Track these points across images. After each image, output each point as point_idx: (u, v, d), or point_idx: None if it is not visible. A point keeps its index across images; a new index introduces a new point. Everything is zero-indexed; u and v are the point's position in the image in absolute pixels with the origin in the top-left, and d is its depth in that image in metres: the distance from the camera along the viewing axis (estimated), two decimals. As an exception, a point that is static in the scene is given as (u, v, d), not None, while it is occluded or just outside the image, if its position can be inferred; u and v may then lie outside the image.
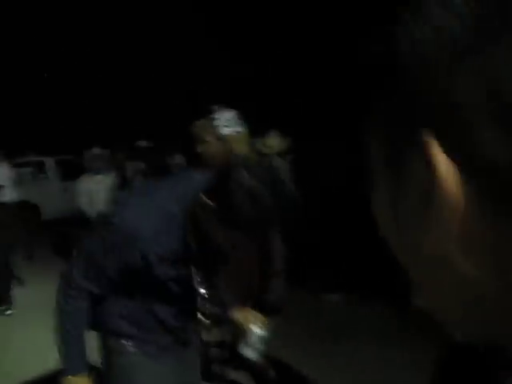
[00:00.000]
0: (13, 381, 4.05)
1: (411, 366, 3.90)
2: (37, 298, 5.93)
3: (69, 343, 1.81)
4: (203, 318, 1.96)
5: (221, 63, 13.02)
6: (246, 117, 2.92)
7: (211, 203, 1.58)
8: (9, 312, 5.87)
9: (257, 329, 2.17)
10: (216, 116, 2.91)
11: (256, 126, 3.05)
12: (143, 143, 8.54)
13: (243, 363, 3.00)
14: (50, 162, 11.37)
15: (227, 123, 2.90)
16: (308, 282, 6.01)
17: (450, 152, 0.34)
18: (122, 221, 1.66)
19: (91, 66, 16.28)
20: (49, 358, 4.09)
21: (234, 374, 3.86)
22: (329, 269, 5.99)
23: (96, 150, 6.89)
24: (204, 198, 1.60)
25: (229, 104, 2.96)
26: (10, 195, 7.66)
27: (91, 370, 1.85)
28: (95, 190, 6.57)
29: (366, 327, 5.05)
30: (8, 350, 4.68)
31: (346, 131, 7.10)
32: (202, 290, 1.91)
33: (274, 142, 5.43)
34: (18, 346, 4.79)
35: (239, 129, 2.89)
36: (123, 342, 1.92)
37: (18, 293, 6.20)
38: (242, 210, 1.52)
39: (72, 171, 11.17)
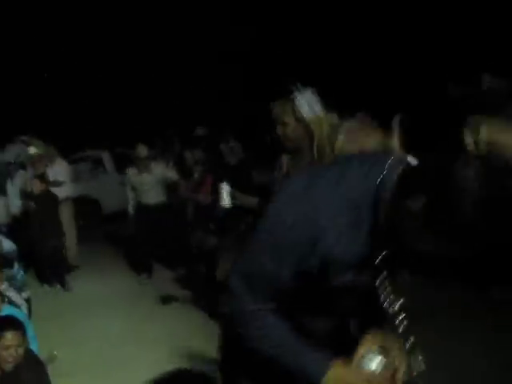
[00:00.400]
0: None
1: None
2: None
3: (287, 355, 1.38)
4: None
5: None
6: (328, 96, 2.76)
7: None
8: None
9: None
10: (297, 96, 2.75)
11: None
12: (201, 131, 8.47)
13: None
14: (107, 156, 11.48)
15: (308, 104, 2.73)
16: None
17: None
18: (302, 217, 1.30)
19: (138, 60, 16.41)
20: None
21: None
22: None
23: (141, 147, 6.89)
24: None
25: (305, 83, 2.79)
26: (69, 191, 7.77)
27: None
28: (143, 183, 6.56)
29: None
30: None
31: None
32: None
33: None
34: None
35: (320, 110, 2.72)
36: None
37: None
38: (465, 215, 1.16)
39: (130, 164, 11.29)
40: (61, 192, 7.57)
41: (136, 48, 16.27)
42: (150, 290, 6.24)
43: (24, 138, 9.48)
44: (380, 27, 10.43)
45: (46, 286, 6.70)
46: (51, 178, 7.37)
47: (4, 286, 4.15)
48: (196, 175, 6.39)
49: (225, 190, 3.08)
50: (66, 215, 7.65)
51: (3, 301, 3.41)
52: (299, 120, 2.68)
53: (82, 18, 16.19)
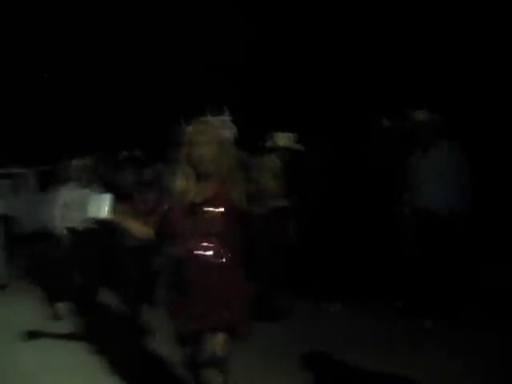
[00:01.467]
0: None
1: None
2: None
3: None
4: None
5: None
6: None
7: None
8: None
9: None
10: (214, 118, 2.82)
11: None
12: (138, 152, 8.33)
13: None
14: (30, 174, 11.11)
15: (225, 125, 2.81)
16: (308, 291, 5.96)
17: None
18: None
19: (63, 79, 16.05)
20: None
21: None
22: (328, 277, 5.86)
23: (79, 161, 6.52)
24: None
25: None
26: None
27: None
28: (71, 203, 6.11)
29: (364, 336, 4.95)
30: None
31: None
32: None
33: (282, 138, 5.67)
34: None
35: (234, 131, 2.82)
36: None
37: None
38: None
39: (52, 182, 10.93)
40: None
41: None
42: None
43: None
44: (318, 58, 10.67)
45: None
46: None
47: None
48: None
49: (108, 199, 2.80)
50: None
51: None
52: (217, 143, 2.74)
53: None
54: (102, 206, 2.77)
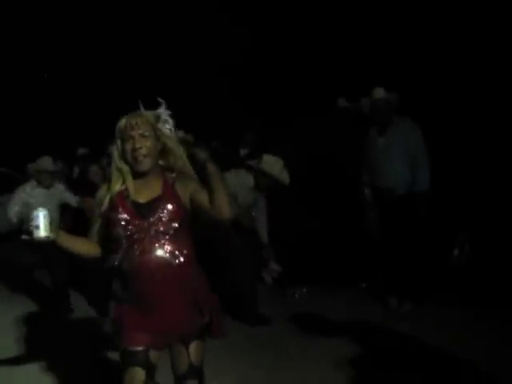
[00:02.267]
0: None
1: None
2: None
3: None
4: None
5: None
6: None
7: None
8: None
9: None
10: (160, 112, 2.59)
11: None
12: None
13: None
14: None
15: (161, 119, 2.58)
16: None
17: None
18: None
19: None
20: None
21: None
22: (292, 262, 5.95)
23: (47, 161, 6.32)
24: None
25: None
26: None
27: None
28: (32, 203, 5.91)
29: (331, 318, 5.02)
30: None
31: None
32: None
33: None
34: None
35: (171, 125, 2.62)
36: None
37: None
38: None
39: (7, 184, 10.62)
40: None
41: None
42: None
43: None
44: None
45: None
46: None
47: None
48: None
49: (43, 216, 2.41)
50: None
51: None
52: (153, 137, 2.49)
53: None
54: (41, 225, 2.39)
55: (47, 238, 2.39)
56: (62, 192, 6.33)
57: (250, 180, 5.24)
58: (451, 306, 5.05)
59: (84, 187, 6.11)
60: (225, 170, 5.48)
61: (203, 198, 2.44)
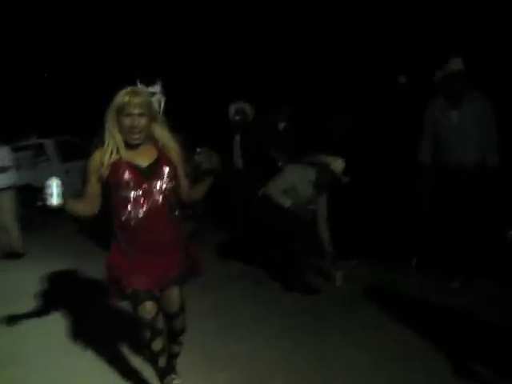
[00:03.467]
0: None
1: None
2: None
3: None
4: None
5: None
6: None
7: None
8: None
9: None
10: (144, 87, 3.14)
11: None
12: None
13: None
14: (49, 144, 11.22)
15: (155, 95, 3.15)
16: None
17: None
18: None
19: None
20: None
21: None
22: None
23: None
24: None
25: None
26: (13, 178, 7.59)
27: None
28: None
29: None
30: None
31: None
32: None
33: None
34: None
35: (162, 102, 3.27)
36: None
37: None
38: None
39: (72, 152, 11.06)
40: (3, 179, 7.41)
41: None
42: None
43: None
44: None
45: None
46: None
47: None
48: None
49: (56, 185, 2.73)
50: (7, 203, 7.49)
51: None
52: (148, 114, 2.90)
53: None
54: (54, 193, 2.72)
55: (59, 205, 2.73)
56: None
57: (309, 174, 5.34)
58: (504, 283, 5.01)
59: None
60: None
61: (183, 177, 3.06)
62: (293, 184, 5.29)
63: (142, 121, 2.88)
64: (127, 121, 2.86)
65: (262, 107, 7.40)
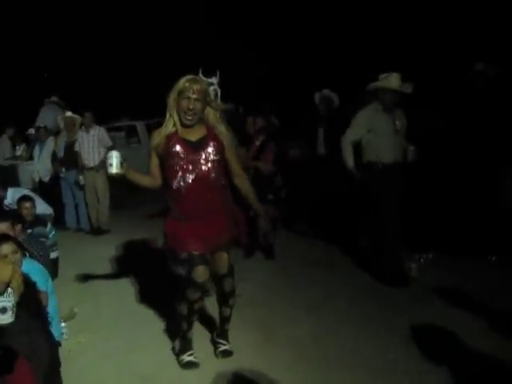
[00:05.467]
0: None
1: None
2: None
3: None
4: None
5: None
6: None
7: None
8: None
9: None
10: (210, 82, 3.73)
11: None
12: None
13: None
14: (141, 126, 11.68)
15: (212, 86, 3.71)
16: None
17: None
18: None
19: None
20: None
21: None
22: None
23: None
24: None
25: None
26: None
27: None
28: None
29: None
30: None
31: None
32: None
33: None
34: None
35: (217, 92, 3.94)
36: None
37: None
38: None
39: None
40: (95, 159, 7.85)
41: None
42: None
43: (54, 98, 9.71)
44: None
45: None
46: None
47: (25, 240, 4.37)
48: (257, 143, 6.26)
49: (115, 157, 3.14)
50: (100, 182, 7.92)
51: (24, 255, 3.58)
52: (203, 100, 3.30)
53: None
54: (113, 163, 3.13)
55: (118, 174, 3.14)
56: None
57: None
58: None
59: None
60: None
61: (233, 161, 3.47)
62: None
63: (198, 105, 3.28)
64: (184, 103, 3.26)
65: (348, 95, 7.34)
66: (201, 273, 3.29)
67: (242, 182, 3.53)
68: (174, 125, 3.34)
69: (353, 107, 7.15)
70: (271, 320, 4.36)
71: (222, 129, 3.41)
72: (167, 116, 3.35)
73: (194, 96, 3.24)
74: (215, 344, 3.82)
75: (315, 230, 7.09)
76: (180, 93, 3.26)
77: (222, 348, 3.74)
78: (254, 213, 5.08)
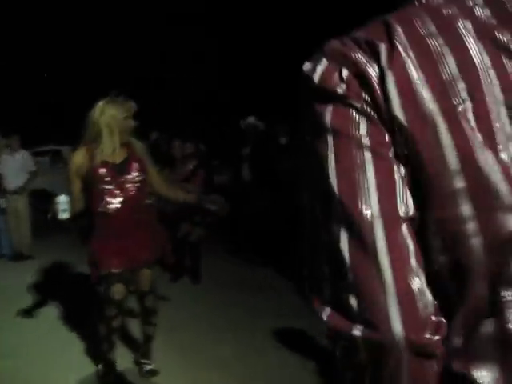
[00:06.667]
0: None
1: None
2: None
3: None
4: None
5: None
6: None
7: None
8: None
9: None
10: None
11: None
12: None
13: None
14: (66, 151, 11.52)
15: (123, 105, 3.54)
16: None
17: None
18: None
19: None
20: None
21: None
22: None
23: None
24: None
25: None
26: (29, 183, 7.91)
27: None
28: None
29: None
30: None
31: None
32: None
33: None
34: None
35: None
36: None
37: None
38: None
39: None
40: (17, 182, 7.71)
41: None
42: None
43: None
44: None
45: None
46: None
47: None
48: (189, 167, 6.44)
49: (67, 202, 3.29)
50: (22, 205, 7.79)
51: None
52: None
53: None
54: (66, 209, 3.28)
55: (67, 218, 3.28)
56: None
57: None
58: None
59: None
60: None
61: (154, 172, 3.57)
62: None
63: (126, 124, 3.43)
64: (118, 123, 3.38)
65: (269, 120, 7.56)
66: (117, 290, 3.38)
67: (167, 188, 3.69)
68: (98, 147, 3.39)
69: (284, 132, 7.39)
70: (196, 342, 4.44)
71: (137, 144, 3.56)
72: (90, 137, 3.40)
73: (124, 116, 3.39)
74: (140, 364, 3.87)
75: (239, 252, 7.25)
76: (109, 114, 3.35)
77: (148, 368, 3.79)
78: (181, 235, 5.28)
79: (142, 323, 3.79)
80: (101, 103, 3.38)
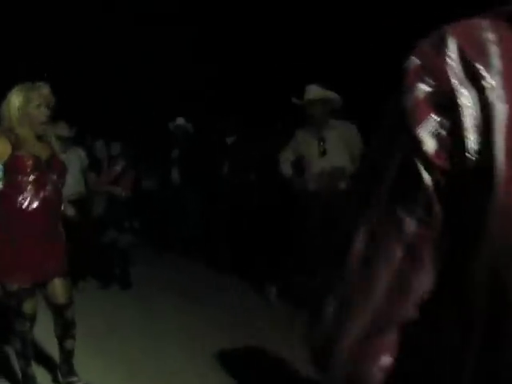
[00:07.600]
0: None
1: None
2: None
3: None
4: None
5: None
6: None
7: None
8: None
9: None
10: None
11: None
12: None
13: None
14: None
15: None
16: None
17: None
18: None
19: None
20: None
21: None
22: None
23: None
24: None
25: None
26: None
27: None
28: None
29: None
30: None
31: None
32: None
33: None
34: None
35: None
36: None
37: None
38: None
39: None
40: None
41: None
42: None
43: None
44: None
45: None
46: None
47: None
48: (118, 167, 6.11)
49: None
50: None
51: None
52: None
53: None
54: None
55: None
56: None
57: None
58: None
59: None
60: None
61: None
62: None
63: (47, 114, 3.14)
64: (38, 112, 3.08)
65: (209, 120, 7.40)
66: (30, 305, 3.12)
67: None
68: (20, 137, 3.07)
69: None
70: (133, 352, 4.18)
71: (56, 145, 3.33)
72: (11, 126, 3.05)
73: (35, 104, 3.07)
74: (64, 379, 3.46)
75: (170, 257, 7.10)
76: (16, 101, 3.04)
77: None
78: (108, 241, 4.96)
79: (61, 338, 3.34)
80: (13, 90, 3.06)
